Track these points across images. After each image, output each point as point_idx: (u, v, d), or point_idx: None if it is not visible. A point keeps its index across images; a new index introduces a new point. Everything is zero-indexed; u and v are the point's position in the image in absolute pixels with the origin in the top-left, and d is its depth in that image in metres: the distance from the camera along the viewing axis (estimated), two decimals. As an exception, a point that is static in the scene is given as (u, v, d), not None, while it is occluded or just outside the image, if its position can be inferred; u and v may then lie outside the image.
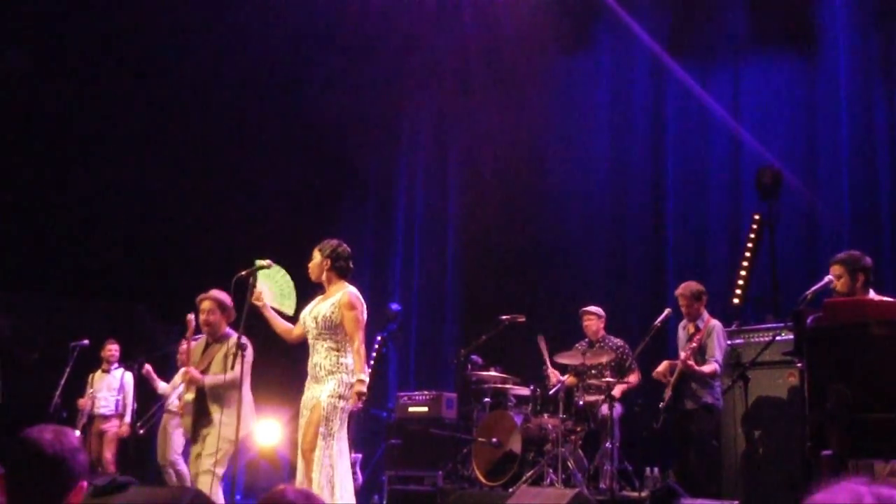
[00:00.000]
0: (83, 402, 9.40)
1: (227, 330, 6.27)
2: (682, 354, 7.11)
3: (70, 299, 10.93)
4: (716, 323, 7.30)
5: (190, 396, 6.24)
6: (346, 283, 5.83)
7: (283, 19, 11.10)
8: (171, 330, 9.60)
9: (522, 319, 8.57)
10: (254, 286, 5.78)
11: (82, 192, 10.97)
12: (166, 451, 8.55)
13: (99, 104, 10.88)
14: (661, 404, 7.26)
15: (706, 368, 7.04)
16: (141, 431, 7.61)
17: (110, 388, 9.48)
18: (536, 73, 11.26)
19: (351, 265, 5.91)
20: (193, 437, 6.24)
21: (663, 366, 7.35)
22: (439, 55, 11.65)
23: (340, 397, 5.56)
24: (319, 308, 5.74)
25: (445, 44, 11.58)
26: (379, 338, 9.29)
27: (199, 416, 6.17)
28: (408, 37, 11.44)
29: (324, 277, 5.83)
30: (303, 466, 5.63)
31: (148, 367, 8.96)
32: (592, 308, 8.55)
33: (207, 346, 6.38)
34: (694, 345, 7.13)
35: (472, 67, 11.52)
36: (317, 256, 5.85)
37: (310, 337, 5.75)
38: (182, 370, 6.41)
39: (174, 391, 8.09)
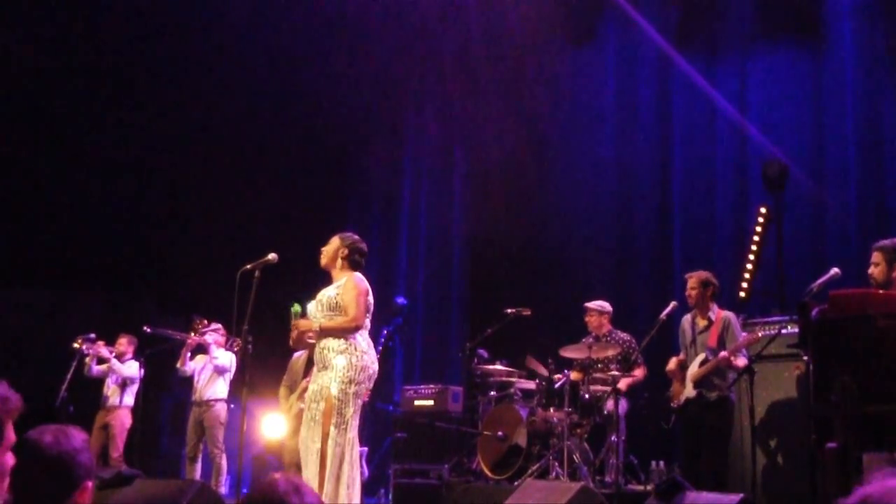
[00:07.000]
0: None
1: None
2: (722, 353, 6.98)
3: (75, 293, 10.95)
4: (729, 314, 7.26)
5: (302, 404, 6.66)
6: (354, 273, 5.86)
7: (284, 16, 11.09)
8: (175, 322, 9.64)
9: (528, 313, 8.56)
10: (259, 282, 5.77)
11: (84, 186, 10.98)
12: (209, 443, 8.77)
13: (100, 101, 10.89)
14: (673, 404, 7.24)
15: (739, 363, 6.99)
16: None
17: (119, 381, 9.45)
18: (542, 68, 11.22)
19: (363, 262, 5.92)
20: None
21: (673, 362, 7.33)
22: (444, 51, 11.62)
23: (351, 382, 5.51)
24: (325, 292, 5.76)
25: (450, 40, 11.54)
26: (385, 332, 9.29)
27: None
28: (412, 34, 11.41)
29: (337, 265, 5.82)
30: (309, 461, 5.59)
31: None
32: (593, 304, 8.49)
33: (310, 359, 6.79)
34: (719, 350, 7.07)
35: (477, 63, 11.48)
36: (336, 242, 5.85)
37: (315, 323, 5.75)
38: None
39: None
